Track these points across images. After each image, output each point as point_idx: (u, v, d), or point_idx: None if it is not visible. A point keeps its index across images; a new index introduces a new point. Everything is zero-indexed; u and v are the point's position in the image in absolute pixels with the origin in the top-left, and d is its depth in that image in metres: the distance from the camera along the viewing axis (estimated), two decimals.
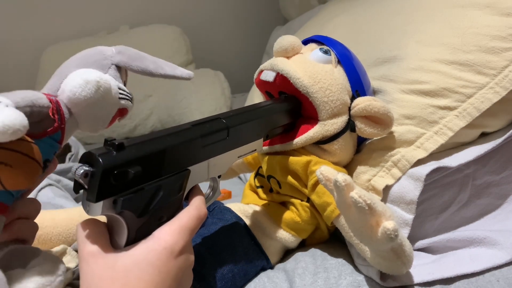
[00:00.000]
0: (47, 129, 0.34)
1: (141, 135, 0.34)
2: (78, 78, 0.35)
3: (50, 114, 0.33)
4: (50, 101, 0.34)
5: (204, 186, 0.42)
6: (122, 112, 0.40)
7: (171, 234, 0.32)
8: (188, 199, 0.37)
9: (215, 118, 0.40)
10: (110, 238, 0.32)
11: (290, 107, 0.48)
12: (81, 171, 0.29)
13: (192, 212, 0.34)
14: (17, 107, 0.30)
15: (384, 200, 0.49)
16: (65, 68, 0.37)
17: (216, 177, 0.41)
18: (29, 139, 0.31)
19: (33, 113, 0.32)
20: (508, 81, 0.48)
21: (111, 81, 0.37)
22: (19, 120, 0.28)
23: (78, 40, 1.63)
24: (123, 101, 0.39)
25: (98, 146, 0.31)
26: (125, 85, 0.42)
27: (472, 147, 0.52)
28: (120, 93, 0.38)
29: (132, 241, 0.32)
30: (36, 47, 1.65)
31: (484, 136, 0.54)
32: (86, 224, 0.31)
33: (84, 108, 0.36)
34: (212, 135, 0.38)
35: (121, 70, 0.40)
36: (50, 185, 0.71)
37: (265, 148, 0.51)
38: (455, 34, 0.52)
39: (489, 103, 0.48)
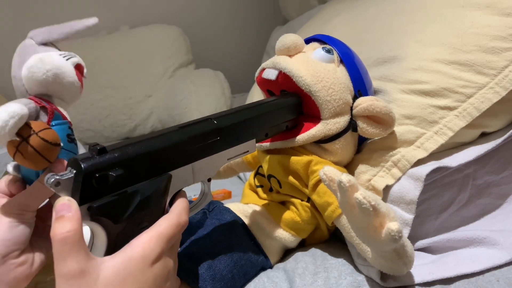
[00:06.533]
0: (48, 118, 0.38)
1: (129, 138, 0.35)
2: (26, 71, 0.40)
3: (37, 103, 0.38)
4: (30, 99, 0.38)
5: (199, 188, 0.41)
6: (79, 69, 0.45)
7: (148, 241, 0.31)
8: (172, 204, 0.36)
9: (205, 119, 0.39)
10: (90, 245, 0.32)
11: (288, 104, 0.47)
12: (52, 180, 0.29)
13: (172, 219, 0.34)
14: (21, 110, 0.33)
15: (384, 200, 0.49)
16: (15, 78, 0.42)
17: (205, 181, 0.40)
18: (43, 125, 0.34)
19: (29, 111, 0.35)
20: (508, 81, 0.48)
21: (48, 53, 0.42)
22: (7, 112, 0.31)
23: (78, 40, 1.63)
24: (71, 60, 0.43)
25: (98, 144, 0.32)
26: None
27: (472, 147, 0.52)
28: (64, 56, 0.43)
29: (113, 247, 0.31)
30: None
31: (484, 136, 0.54)
32: (64, 238, 0.28)
33: (52, 85, 0.41)
34: (201, 137, 0.37)
35: (49, 45, 0.45)
36: None
37: (266, 145, 0.50)
38: (455, 34, 0.52)
39: (489, 103, 0.48)
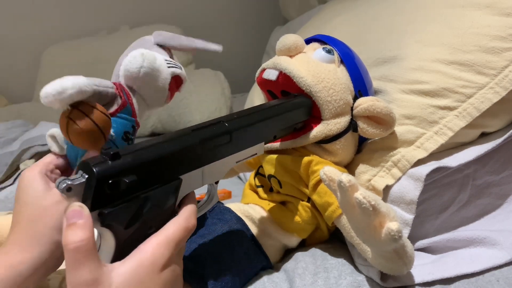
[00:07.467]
0: (117, 108, 0.39)
1: (141, 141, 0.34)
2: (126, 59, 0.41)
3: (116, 92, 0.39)
4: (114, 84, 0.40)
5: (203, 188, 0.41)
6: (177, 81, 0.45)
7: (157, 247, 0.31)
8: (180, 206, 0.36)
9: (216, 121, 0.38)
10: (97, 249, 0.31)
11: (300, 106, 0.46)
12: (63, 185, 0.28)
13: (180, 223, 0.33)
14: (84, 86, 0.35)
15: (384, 200, 0.49)
16: (117, 63, 0.43)
17: (213, 183, 0.40)
18: (103, 110, 0.35)
19: (100, 93, 0.37)
20: (508, 81, 0.48)
21: (156, 54, 0.42)
22: (71, 82, 0.32)
23: (78, 40, 1.63)
24: (172, 69, 0.43)
25: (111, 148, 0.31)
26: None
27: (472, 147, 0.52)
28: (168, 63, 0.43)
29: (120, 252, 0.31)
30: (36, 47, 1.65)
31: (484, 136, 0.54)
32: (78, 247, 0.27)
33: (141, 81, 0.41)
34: (213, 140, 0.36)
35: (164, 48, 0.46)
36: None
37: (267, 146, 0.50)
38: (455, 34, 0.52)
39: (489, 103, 0.48)
